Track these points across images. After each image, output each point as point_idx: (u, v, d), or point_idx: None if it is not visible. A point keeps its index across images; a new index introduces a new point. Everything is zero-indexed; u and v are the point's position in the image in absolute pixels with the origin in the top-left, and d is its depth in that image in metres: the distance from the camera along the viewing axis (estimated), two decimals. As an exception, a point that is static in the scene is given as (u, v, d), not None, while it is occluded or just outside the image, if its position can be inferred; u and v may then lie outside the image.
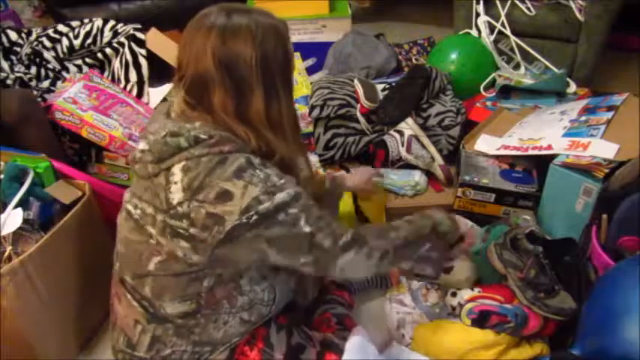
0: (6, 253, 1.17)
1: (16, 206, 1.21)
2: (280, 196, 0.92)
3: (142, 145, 0.98)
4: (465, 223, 1.47)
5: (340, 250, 0.99)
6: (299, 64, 2.19)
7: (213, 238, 0.91)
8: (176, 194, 0.92)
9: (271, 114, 0.97)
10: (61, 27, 1.99)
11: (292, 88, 1.03)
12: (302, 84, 2.09)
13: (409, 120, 1.75)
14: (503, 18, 2.13)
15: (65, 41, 1.95)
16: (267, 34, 0.94)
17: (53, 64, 1.91)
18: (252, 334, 1.07)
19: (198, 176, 0.91)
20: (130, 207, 1.01)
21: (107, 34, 2.02)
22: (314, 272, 1.03)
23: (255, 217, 0.90)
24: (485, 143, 1.67)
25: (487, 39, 2.16)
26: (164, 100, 1.94)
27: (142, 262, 0.99)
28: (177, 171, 0.93)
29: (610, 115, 1.52)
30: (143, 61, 1.98)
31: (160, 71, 2.01)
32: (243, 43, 0.92)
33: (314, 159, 1.80)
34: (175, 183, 0.92)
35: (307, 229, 0.95)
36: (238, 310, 1.03)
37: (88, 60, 1.95)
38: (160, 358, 1.03)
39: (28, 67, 1.89)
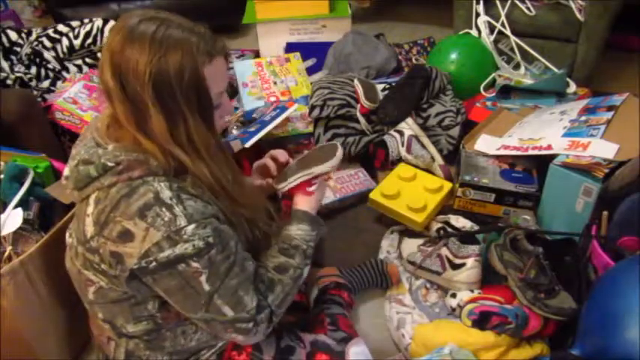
0: (6, 253, 1.17)
1: (16, 206, 1.21)
2: (183, 247, 0.84)
3: (66, 171, 0.95)
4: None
5: (234, 327, 0.92)
6: (299, 64, 2.19)
7: (121, 276, 0.88)
8: (89, 227, 0.89)
9: (177, 135, 0.88)
10: (61, 27, 1.99)
11: (210, 115, 0.91)
12: (302, 84, 2.09)
13: (409, 120, 1.75)
14: (503, 18, 2.13)
15: (65, 41, 1.95)
16: (173, 48, 0.84)
17: (53, 64, 1.91)
18: None
19: (104, 210, 0.86)
20: (67, 236, 1.01)
21: (107, 34, 2.02)
22: (207, 330, 0.98)
23: (154, 264, 0.85)
24: (485, 143, 1.67)
25: (487, 39, 2.16)
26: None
27: (82, 291, 0.99)
28: (91, 202, 0.89)
29: (610, 115, 1.52)
30: (143, 61, 1.98)
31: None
32: (139, 53, 0.83)
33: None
34: (88, 215, 0.89)
35: (207, 287, 0.88)
36: None
37: (88, 60, 1.95)
38: None
39: (28, 67, 1.89)
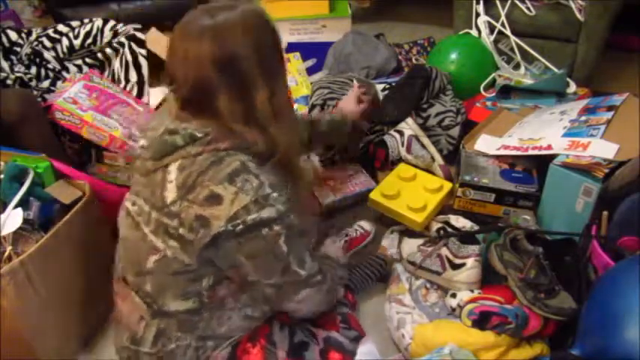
0: (6, 253, 1.17)
1: (16, 206, 1.21)
2: (268, 211, 0.90)
3: (142, 141, 0.99)
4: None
5: (305, 284, 1.01)
6: (299, 64, 2.19)
7: (200, 241, 0.91)
8: (170, 192, 0.92)
9: (275, 104, 0.95)
10: (61, 27, 1.99)
11: (286, 73, 1.02)
12: (302, 84, 2.09)
13: (409, 120, 1.75)
14: (503, 18, 2.13)
15: (65, 41, 1.95)
16: (258, 23, 0.93)
17: (53, 64, 1.91)
18: (254, 331, 1.07)
19: (191, 175, 0.90)
20: (128, 204, 1.02)
21: (107, 34, 2.02)
22: (274, 297, 1.02)
23: (240, 227, 0.89)
24: (485, 143, 1.67)
25: (487, 39, 2.16)
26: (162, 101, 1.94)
27: (140, 260, 0.99)
28: (173, 169, 0.92)
29: (610, 115, 1.52)
30: (143, 62, 1.98)
31: (160, 71, 2.01)
32: (239, 39, 0.90)
33: (314, 159, 1.80)
34: (171, 181, 0.92)
35: (285, 248, 0.94)
36: (242, 306, 1.03)
37: (88, 60, 1.95)
38: (165, 352, 1.03)
39: (28, 67, 1.89)
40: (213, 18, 0.90)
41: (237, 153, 0.92)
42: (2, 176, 1.26)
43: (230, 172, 0.89)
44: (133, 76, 1.97)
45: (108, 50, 1.96)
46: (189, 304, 0.99)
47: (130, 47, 1.98)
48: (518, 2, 2.11)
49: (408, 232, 1.55)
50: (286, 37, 2.41)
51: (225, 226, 0.89)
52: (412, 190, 1.59)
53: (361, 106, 1.61)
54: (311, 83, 2.03)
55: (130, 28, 2.03)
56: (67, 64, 1.94)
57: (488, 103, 1.97)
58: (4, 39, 1.92)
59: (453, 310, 1.29)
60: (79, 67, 1.94)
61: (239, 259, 0.94)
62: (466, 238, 1.36)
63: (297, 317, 1.11)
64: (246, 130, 0.94)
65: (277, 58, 0.97)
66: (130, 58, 1.98)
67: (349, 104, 1.61)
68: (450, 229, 1.40)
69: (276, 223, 0.91)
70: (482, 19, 2.16)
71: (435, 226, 1.45)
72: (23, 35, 1.96)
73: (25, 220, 1.21)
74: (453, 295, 1.30)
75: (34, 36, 1.96)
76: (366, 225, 1.62)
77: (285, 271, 0.97)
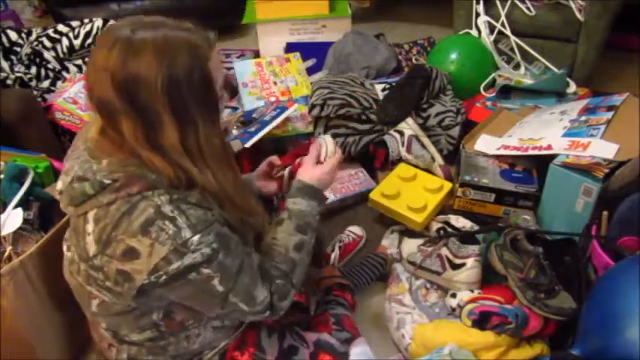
0: (6, 253, 1.17)
1: (16, 206, 1.21)
2: (191, 257, 0.83)
3: (59, 185, 0.92)
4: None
5: (255, 313, 0.95)
6: (299, 64, 2.19)
7: (128, 293, 0.87)
8: (91, 245, 0.87)
9: (188, 144, 0.85)
10: (61, 27, 1.99)
11: (217, 113, 0.89)
12: (302, 84, 2.09)
13: (409, 120, 1.75)
14: (503, 18, 2.13)
15: (65, 41, 1.95)
16: (178, 52, 0.81)
17: (53, 64, 1.91)
18: (242, 338, 1.06)
19: (106, 228, 0.84)
20: (64, 248, 0.98)
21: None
22: (228, 321, 1.01)
23: (164, 277, 0.83)
24: (485, 143, 1.67)
25: (487, 39, 2.16)
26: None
27: (85, 304, 0.97)
28: (90, 219, 0.86)
29: (610, 115, 1.52)
30: (143, 61, 1.98)
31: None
32: (147, 63, 0.79)
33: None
34: (89, 234, 0.86)
35: (221, 289, 0.88)
36: (207, 322, 0.99)
37: (88, 60, 1.96)
38: None
39: (28, 67, 1.89)
40: (132, 33, 0.81)
41: (153, 194, 0.84)
42: (2, 176, 1.26)
43: (143, 222, 0.82)
44: (133, 76, 1.97)
45: (108, 50, 1.96)
46: (149, 334, 0.96)
47: (130, 47, 1.99)
48: (518, 2, 2.11)
49: (408, 232, 1.55)
50: (286, 37, 2.41)
51: (148, 279, 0.83)
52: (412, 190, 1.59)
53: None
54: (311, 83, 2.03)
55: (129, 28, 2.03)
56: (67, 64, 1.94)
57: (489, 103, 1.97)
58: (4, 39, 1.92)
59: (453, 310, 1.29)
60: (79, 67, 1.94)
61: (174, 300, 0.91)
62: (466, 238, 1.36)
63: None
64: (153, 156, 0.84)
65: (198, 98, 0.84)
66: (130, 58, 1.98)
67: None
68: (449, 229, 1.40)
69: (203, 266, 0.84)
70: (482, 19, 2.16)
71: (435, 226, 1.45)
72: (23, 35, 1.97)
73: (25, 220, 1.21)
74: (453, 295, 1.30)
75: (34, 36, 1.96)
76: (357, 230, 1.62)
77: (226, 305, 0.91)
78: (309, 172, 1.10)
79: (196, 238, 0.83)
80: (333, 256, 1.50)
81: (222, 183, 0.90)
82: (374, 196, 1.59)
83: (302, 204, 1.06)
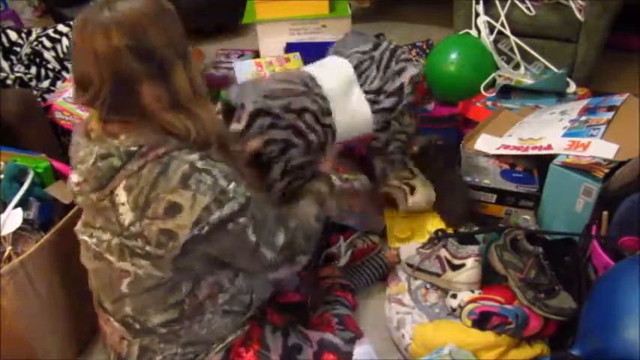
0: (6, 253, 1.17)
1: (16, 206, 1.21)
2: (230, 206, 0.89)
3: (76, 178, 0.94)
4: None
5: (275, 266, 1.02)
6: (299, 64, 2.19)
7: (170, 254, 0.89)
8: (126, 215, 0.89)
9: (194, 84, 0.93)
10: (61, 27, 1.99)
11: (190, 49, 0.97)
12: (302, 84, 2.09)
13: None
14: (502, 18, 2.13)
15: (65, 41, 1.95)
16: (157, 5, 0.89)
17: (53, 64, 1.91)
18: (247, 334, 1.07)
19: (142, 192, 0.87)
20: (85, 238, 1.00)
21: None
22: (247, 272, 1.05)
23: (206, 229, 0.88)
24: (485, 143, 1.67)
25: (487, 39, 2.16)
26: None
27: (113, 287, 0.98)
28: (120, 192, 0.89)
29: (610, 115, 1.52)
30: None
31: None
32: (146, 24, 0.86)
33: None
34: (122, 204, 0.89)
35: (254, 238, 0.95)
36: (221, 305, 1.02)
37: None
38: None
39: (28, 67, 1.89)
40: (112, 10, 0.85)
41: (180, 153, 0.89)
42: (2, 176, 1.26)
43: (180, 177, 0.86)
44: (133, 76, 1.97)
45: (108, 50, 1.96)
46: (172, 314, 0.98)
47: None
48: (518, 2, 2.10)
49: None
50: (286, 37, 2.41)
51: (191, 233, 0.87)
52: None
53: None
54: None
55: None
56: (67, 64, 1.94)
57: (489, 103, 1.97)
58: (4, 39, 1.92)
59: (454, 310, 1.29)
60: (79, 67, 1.94)
61: (214, 255, 0.96)
62: (464, 238, 1.36)
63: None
64: (175, 118, 0.90)
65: (182, 34, 0.92)
66: (129, 58, 1.98)
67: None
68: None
69: (239, 216, 0.90)
70: (482, 19, 2.16)
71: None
72: (23, 35, 1.96)
73: (25, 220, 1.21)
74: (454, 296, 1.30)
75: (34, 36, 1.96)
76: (374, 238, 1.58)
77: (254, 257, 0.98)
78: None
79: (232, 186, 0.89)
80: (343, 260, 1.45)
81: (214, 117, 1.01)
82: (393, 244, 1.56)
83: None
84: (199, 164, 0.88)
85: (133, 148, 0.87)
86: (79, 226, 1.02)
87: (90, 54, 0.85)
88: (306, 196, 1.16)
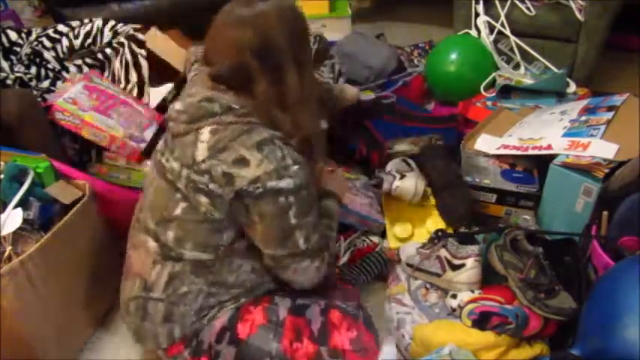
0: (6, 253, 1.17)
1: (16, 206, 1.21)
2: (287, 182, 0.98)
3: (178, 106, 1.04)
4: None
5: (306, 256, 1.06)
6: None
7: (227, 195, 0.99)
8: (201, 151, 0.99)
9: (305, 89, 1.04)
10: (61, 27, 1.98)
11: (311, 58, 1.12)
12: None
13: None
14: (502, 18, 2.13)
15: (65, 41, 1.95)
16: (291, 12, 1.02)
17: (53, 64, 1.91)
18: (256, 298, 1.12)
19: (223, 139, 0.98)
20: (162, 159, 1.07)
21: (107, 34, 2.01)
22: (273, 266, 1.08)
23: (260, 190, 0.97)
24: (485, 143, 1.67)
25: (487, 39, 2.16)
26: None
27: (169, 207, 1.04)
28: (206, 132, 0.99)
29: (610, 115, 1.52)
30: (143, 62, 1.97)
31: (159, 72, 2.01)
32: (276, 28, 0.98)
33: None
34: (202, 142, 0.99)
35: (293, 221, 1.01)
36: (250, 257, 1.09)
37: (88, 60, 1.95)
38: (176, 296, 1.07)
39: (28, 67, 1.89)
40: (252, 8, 0.98)
41: (267, 128, 1.01)
42: (2, 176, 1.26)
43: (259, 140, 0.98)
44: (133, 77, 1.97)
45: (108, 50, 1.96)
46: (205, 255, 1.05)
47: (130, 47, 1.98)
48: (518, 2, 2.10)
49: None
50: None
51: (247, 187, 0.97)
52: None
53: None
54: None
55: (129, 29, 2.03)
56: (67, 64, 1.94)
57: (489, 103, 1.97)
58: (4, 39, 1.92)
59: (454, 310, 1.29)
60: (79, 68, 1.93)
61: (253, 216, 1.01)
62: (464, 238, 1.36)
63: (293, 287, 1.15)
64: (277, 112, 1.02)
65: (306, 45, 1.06)
66: (130, 58, 1.98)
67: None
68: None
69: (290, 193, 0.99)
70: (482, 19, 2.16)
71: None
72: (23, 35, 1.96)
73: (25, 220, 1.21)
74: (454, 296, 1.30)
75: (34, 36, 1.95)
76: (374, 238, 1.59)
77: (287, 239, 1.03)
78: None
79: (295, 167, 0.99)
80: (342, 259, 1.46)
81: (316, 123, 1.14)
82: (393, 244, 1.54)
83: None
84: (278, 142, 1.00)
85: (235, 106, 1.00)
86: (159, 146, 1.11)
87: (221, 41, 1.00)
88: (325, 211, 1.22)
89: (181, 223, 1.04)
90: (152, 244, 1.07)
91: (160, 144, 1.11)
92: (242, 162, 0.97)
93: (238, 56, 0.99)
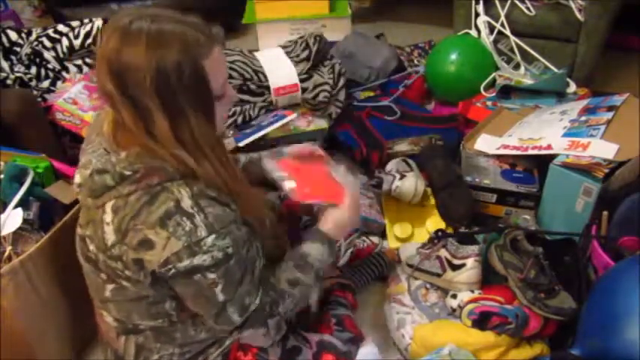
0: (6, 253, 1.17)
1: (16, 206, 1.21)
2: (201, 258, 0.85)
3: (77, 179, 0.93)
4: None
5: (246, 328, 0.98)
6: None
7: (145, 280, 0.90)
8: (109, 235, 0.89)
9: (180, 135, 0.85)
10: (61, 27, 1.98)
11: (211, 109, 0.89)
12: (302, 84, 2.09)
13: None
14: (502, 18, 2.13)
15: (65, 41, 1.95)
16: (170, 46, 0.81)
17: (53, 64, 1.91)
18: (242, 345, 1.06)
19: (125, 218, 0.86)
20: (79, 231, 0.99)
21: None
22: (214, 328, 1.00)
23: (173, 271, 0.86)
24: (485, 143, 1.67)
25: (487, 39, 2.15)
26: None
27: (99, 289, 0.98)
28: (108, 210, 0.88)
29: (610, 115, 1.52)
30: (143, 62, 1.98)
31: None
32: (135, 55, 0.80)
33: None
34: (107, 224, 0.88)
35: (221, 297, 0.90)
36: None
37: (88, 60, 1.95)
38: None
39: (28, 67, 1.89)
40: (129, 23, 0.82)
41: (172, 185, 0.86)
42: (2, 176, 1.26)
43: (162, 215, 0.84)
44: (133, 76, 1.97)
45: (108, 50, 1.96)
46: (159, 322, 0.97)
47: (130, 47, 1.98)
48: (518, 2, 2.10)
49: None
50: (286, 37, 2.40)
51: (158, 270, 0.86)
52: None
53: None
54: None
55: (129, 28, 2.03)
56: (67, 64, 1.94)
57: (489, 103, 1.97)
58: (4, 39, 1.92)
59: (454, 310, 1.29)
60: (79, 68, 1.94)
61: (178, 294, 0.93)
62: (464, 238, 1.36)
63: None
64: (155, 147, 0.86)
65: (189, 93, 0.84)
66: (130, 58, 1.98)
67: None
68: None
69: (210, 271, 0.87)
70: (482, 19, 2.16)
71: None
72: (23, 35, 1.96)
73: (25, 220, 1.21)
74: (454, 296, 1.30)
75: (34, 36, 1.95)
76: (373, 238, 1.57)
77: (219, 316, 0.93)
78: (329, 220, 1.07)
79: (211, 239, 0.85)
80: (342, 260, 1.44)
81: (222, 175, 0.90)
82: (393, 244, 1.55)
83: (310, 247, 1.05)
84: (186, 205, 0.85)
85: (127, 173, 0.86)
86: (81, 220, 1.01)
87: (98, 51, 0.84)
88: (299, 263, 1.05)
89: (117, 304, 0.96)
90: (109, 318, 1.01)
91: (80, 219, 0.99)
92: (147, 244, 0.85)
93: (100, 72, 0.83)
